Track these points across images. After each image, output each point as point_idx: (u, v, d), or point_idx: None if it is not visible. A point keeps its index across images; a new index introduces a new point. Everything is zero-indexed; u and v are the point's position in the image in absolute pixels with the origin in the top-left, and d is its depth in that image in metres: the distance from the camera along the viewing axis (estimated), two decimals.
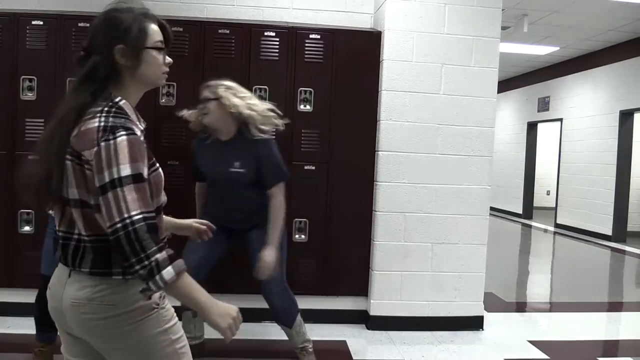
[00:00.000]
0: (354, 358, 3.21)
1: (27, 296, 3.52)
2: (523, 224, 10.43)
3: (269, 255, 2.75)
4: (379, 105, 3.65)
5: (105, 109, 1.36)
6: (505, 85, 11.66)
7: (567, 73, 9.60)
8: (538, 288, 5.73)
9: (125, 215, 1.25)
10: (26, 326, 3.35)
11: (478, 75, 3.67)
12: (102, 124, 1.32)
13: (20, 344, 3.14)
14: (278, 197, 2.82)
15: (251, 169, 2.79)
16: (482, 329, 3.76)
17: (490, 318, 3.94)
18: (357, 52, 3.68)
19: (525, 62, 10.00)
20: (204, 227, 1.88)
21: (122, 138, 1.30)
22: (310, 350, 3.04)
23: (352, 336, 3.54)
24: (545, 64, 10.03)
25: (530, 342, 3.59)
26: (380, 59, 3.65)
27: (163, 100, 3.49)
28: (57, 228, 1.47)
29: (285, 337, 3.07)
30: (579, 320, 4.24)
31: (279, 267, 2.87)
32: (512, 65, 10.28)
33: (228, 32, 3.58)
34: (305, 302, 3.70)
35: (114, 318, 1.38)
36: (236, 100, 2.71)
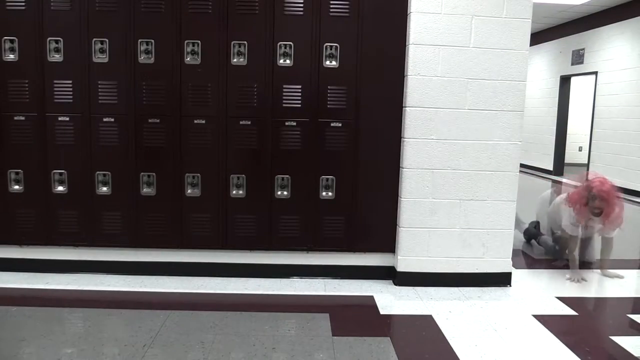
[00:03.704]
0: (381, 313, 3.25)
1: (64, 254, 3.68)
2: (554, 181, 10.24)
3: None
4: (406, 60, 3.56)
5: None
6: (538, 37, 11.27)
7: (603, 24, 9.20)
8: None
9: None
10: (64, 282, 3.52)
11: (509, 27, 3.54)
12: None
13: (59, 299, 3.30)
14: None
15: None
16: (510, 285, 3.75)
17: (518, 275, 3.93)
18: (383, 4, 3.57)
19: (559, 13, 9.60)
20: None
21: None
22: None
23: (380, 292, 3.58)
24: (581, 14, 9.62)
25: (559, 298, 3.58)
26: (408, 12, 3.55)
27: (188, 59, 3.45)
28: None
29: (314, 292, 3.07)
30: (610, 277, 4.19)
31: None
32: (545, 17, 9.89)
33: None
34: (332, 259, 3.76)
35: None
36: None
